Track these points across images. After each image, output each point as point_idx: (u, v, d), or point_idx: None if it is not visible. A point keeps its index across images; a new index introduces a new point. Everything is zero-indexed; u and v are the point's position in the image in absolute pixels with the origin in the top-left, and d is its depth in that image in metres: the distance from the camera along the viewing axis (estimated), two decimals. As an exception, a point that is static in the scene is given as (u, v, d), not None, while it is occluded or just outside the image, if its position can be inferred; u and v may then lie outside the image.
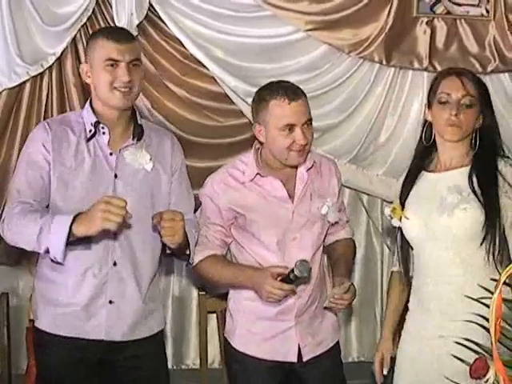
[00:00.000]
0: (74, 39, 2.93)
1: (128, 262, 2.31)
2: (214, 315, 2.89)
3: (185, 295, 3.23)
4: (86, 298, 2.28)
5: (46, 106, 2.97)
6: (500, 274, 2.12)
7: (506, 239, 2.21)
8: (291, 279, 2.24)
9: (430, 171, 2.32)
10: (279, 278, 2.27)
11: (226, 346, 2.57)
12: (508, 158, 2.28)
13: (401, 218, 2.31)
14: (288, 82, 2.42)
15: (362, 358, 3.42)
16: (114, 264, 2.29)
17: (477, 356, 1.60)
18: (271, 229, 2.42)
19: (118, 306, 2.31)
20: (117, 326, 2.32)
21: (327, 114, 3.17)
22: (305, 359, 2.45)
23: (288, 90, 2.34)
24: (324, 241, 2.53)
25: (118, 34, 2.33)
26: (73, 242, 2.14)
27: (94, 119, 2.33)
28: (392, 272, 2.52)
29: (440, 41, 3.12)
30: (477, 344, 1.66)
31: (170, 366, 3.15)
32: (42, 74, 2.94)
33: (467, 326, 2.10)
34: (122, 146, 2.34)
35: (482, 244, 2.19)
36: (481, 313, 1.71)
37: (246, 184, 2.44)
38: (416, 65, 3.11)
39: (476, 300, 1.69)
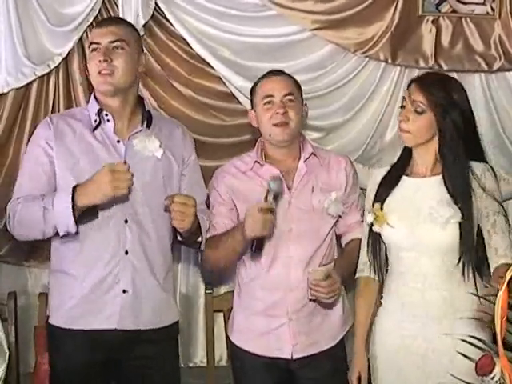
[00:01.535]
0: (80, 39, 2.94)
1: (140, 251, 2.31)
2: (221, 314, 2.89)
3: (192, 294, 3.23)
4: (98, 288, 2.28)
5: (52, 106, 2.97)
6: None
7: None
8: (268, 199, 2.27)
9: (407, 175, 2.31)
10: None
11: (228, 343, 2.61)
12: (486, 162, 2.25)
13: (381, 224, 2.28)
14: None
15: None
16: (126, 253, 2.29)
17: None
18: None
19: (131, 296, 2.30)
20: (131, 316, 2.30)
21: (333, 114, 3.17)
22: (295, 357, 2.44)
23: (272, 70, 2.52)
24: (328, 236, 2.51)
25: (104, 20, 2.35)
26: (80, 217, 2.16)
27: (98, 107, 2.34)
28: (359, 278, 2.45)
29: (445, 39, 3.12)
30: (479, 339, 1.67)
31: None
32: (48, 75, 2.95)
33: (454, 326, 2.15)
34: (130, 133, 2.35)
35: (459, 262, 2.19)
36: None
37: (247, 173, 2.50)
38: (422, 64, 3.11)
39: (480, 297, 1.70)
